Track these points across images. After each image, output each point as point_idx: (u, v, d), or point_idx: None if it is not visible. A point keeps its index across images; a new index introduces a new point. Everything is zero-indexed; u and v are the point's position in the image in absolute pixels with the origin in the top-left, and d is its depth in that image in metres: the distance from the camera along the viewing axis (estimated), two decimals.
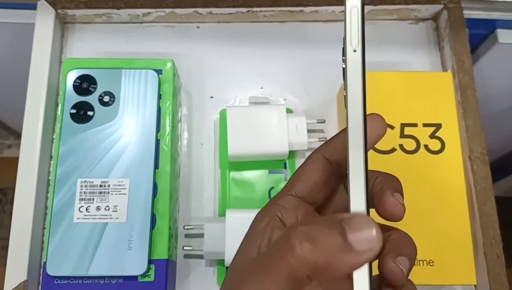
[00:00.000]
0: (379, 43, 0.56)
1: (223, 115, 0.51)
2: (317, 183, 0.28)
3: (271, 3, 0.54)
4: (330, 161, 0.28)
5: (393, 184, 0.26)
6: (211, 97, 0.54)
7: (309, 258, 0.20)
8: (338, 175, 0.29)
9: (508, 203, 1.28)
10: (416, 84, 0.48)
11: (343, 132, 0.26)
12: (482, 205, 0.47)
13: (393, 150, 0.46)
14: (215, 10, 0.54)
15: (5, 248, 0.45)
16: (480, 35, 0.65)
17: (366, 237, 0.20)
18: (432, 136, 0.46)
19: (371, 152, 0.46)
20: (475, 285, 0.46)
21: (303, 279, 0.21)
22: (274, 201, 0.28)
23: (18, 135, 0.49)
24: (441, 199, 0.44)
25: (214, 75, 0.55)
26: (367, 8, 0.55)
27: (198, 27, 0.56)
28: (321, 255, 0.20)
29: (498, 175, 1.12)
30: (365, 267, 0.21)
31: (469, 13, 0.58)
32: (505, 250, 0.47)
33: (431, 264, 0.43)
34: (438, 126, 0.46)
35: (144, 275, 0.43)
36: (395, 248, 0.24)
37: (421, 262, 0.43)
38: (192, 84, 0.54)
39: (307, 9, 0.54)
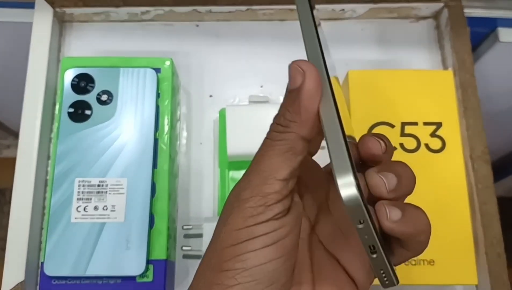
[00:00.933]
0: (380, 42, 0.56)
1: (222, 114, 0.50)
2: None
3: (271, 1, 0.53)
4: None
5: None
6: (211, 96, 0.54)
7: (288, 122, 0.23)
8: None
9: (509, 203, 1.27)
10: (417, 82, 0.47)
11: None
12: (483, 205, 0.47)
13: (393, 149, 0.45)
14: (214, 8, 0.54)
15: (3, 248, 0.45)
16: (481, 34, 0.64)
17: (294, 73, 0.23)
18: (433, 134, 0.46)
19: None
20: (476, 285, 0.46)
21: (300, 144, 0.23)
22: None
23: (16, 135, 0.48)
24: (442, 198, 0.44)
25: (214, 74, 0.54)
26: (367, 6, 0.54)
27: (197, 26, 0.56)
28: (291, 113, 0.23)
29: (500, 175, 1.11)
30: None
31: (470, 12, 0.57)
32: (507, 250, 0.47)
33: (432, 263, 0.42)
34: (438, 125, 0.46)
35: (142, 275, 0.42)
36: (384, 166, 0.25)
37: (422, 261, 0.42)
38: (191, 83, 0.54)
39: None
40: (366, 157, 0.25)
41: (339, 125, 0.22)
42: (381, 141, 0.25)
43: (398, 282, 0.23)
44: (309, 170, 0.28)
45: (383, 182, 0.23)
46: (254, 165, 0.24)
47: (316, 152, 0.29)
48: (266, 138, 0.25)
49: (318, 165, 0.30)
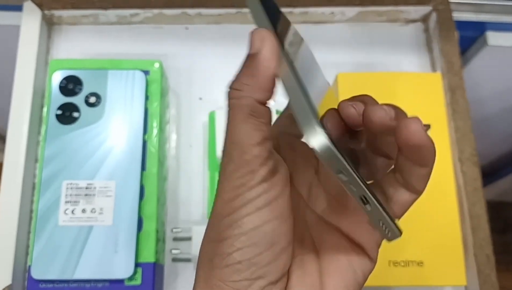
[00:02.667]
0: (369, 44, 0.56)
1: (212, 117, 0.50)
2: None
3: None
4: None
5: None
6: (200, 98, 0.53)
7: (243, 85, 0.24)
8: None
9: (501, 207, 1.28)
10: (406, 84, 0.47)
11: None
12: (472, 206, 0.47)
13: None
14: (204, 11, 0.54)
15: None
16: (470, 38, 0.65)
17: (252, 40, 0.24)
18: None
19: None
20: (465, 286, 0.46)
21: (259, 108, 0.24)
22: None
23: (3, 139, 0.48)
24: (431, 200, 0.44)
25: (203, 77, 0.54)
26: (356, 9, 0.54)
27: (187, 28, 0.56)
28: (247, 77, 0.24)
29: (490, 179, 1.12)
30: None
31: (458, 16, 0.58)
32: (499, 254, 0.47)
33: (421, 265, 0.42)
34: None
35: (130, 278, 0.42)
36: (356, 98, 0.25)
37: (411, 263, 0.42)
38: (181, 86, 0.54)
39: (297, 10, 0.54)
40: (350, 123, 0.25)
41: (298, 83, 0.22)
42: (356, 107, 0.25)
43: (401, 232, 0.23)
44: (295, 150, 0.29)
45: (384, 110, 0.23)
46: (228, 135, 0.24)
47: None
48: (228, 104, 0.25)
49: (303, 143, 0.30)
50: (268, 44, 0.23)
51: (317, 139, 0.21)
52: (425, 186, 0.25)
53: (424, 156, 0.23)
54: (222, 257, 0.23)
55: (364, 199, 0.22)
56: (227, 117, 0.25)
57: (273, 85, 0.24)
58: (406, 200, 0.25)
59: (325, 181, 0.28)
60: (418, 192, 0.25)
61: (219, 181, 0.25)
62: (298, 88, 0.22)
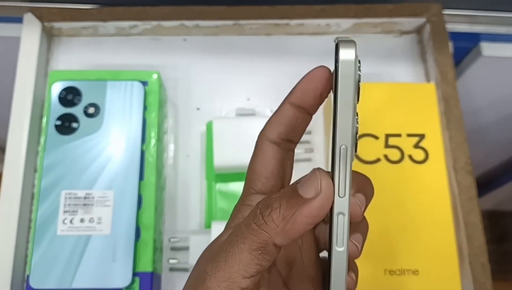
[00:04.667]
0: (364, 56, 0.56)
1: (209, 127, 0.51)
2: (273, 171, 0.27)
3: (257, 16, 0.54)
4: (278, 143, 0.27)
5: (358, 184, 0.25)
6: (198, 108, 0.54)
7: (271, 222, 0.22)
8: (289, 149, 0.27)
9: (498, 217, 1.28)
10: (400, 95, 0.48)
11: (285, 106, 0.26)
12: (467, 215, 0.47)
13: (378, 160, 0.46)
14: (201, 22, 0.55)
15: None
16: (464, 49, 0.66)
17: (312, 184, 0.22)
18: (416, 146, 0.46)
19: (355, 162, 0.46)
20: None
21: (271, 248, 0.22)
22: (241, 204, 0.28)
23: (3, 150, 0.48)
24: (425, 209, 0.44)
25: (201, 87, 0.55)
26: (351, 21, 0.55)
27: (184, 40, 0.57)
28: (280, 216, 0.22)
29: (485, 189, 1.12)
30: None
31: (452, 27, 0.59)
32: (496, 263, 0.47)
33: (416, 273, 0.43)
34: (421, 136, 0.46)
35: (128, 288, 0.42)
36: (355, 185, 0.25)
37: (406, 271, 0.43)
38: (179, 96, 0.54)
39: (293, 22, 0.55)
40: None
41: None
42: (362, 206, 0.24)
43: None
44: None
45: (359, 207, 0.24)
46: (225, 250, 0.23)
47: None
48: (242, 224, 0.23)
49: None
50: (321, 200, 0.22)
51: None
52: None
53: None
54: None
55: None
56: (239, 228, 0.23)
57: (298, 238, 0.22)
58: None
59: (308, 261, 0.28)
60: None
61: (193, 280, 0.24)
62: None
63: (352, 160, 0.22)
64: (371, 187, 0.25)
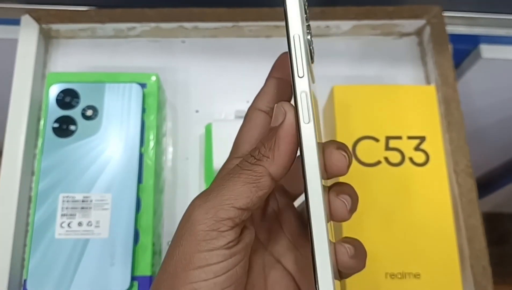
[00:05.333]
0: (364, 58, 0.56)
1: (208, 129, 0.50)
2: (259, 137, 0.28)
3: (256, 18, 0.54)
4: (266, 111, 0.28)
5: (340, 188, 0.26)
6: (197, 111, 0.54)
7: (262, 156, 0.24)
8: None
9: (497, 219, 1.28)
10: (400, 97, 0.48)
11: (270, 80, 0.29)
12: (467, 218, 0.47)
13: (378, 162, 0.46)
14: (200, 24, 0.54)
15: None
16: (464, 51, 0.66)
17: (278, 112, 0.24)
18: (417, 148, 0.46)
19: (356, 165, 0.45)
20: None
21: (266, 180, 0.24)
22: (224, 168, 0.28)
23: (0, 152, 0.48)
24: (426, 212, 0.44)
25: (200, 89, 0.55)
26: (351, 23, 0.55)
27: (183, 42, 0.56)
28: (266, 149, 0.24)
29: (485, 191, 1.12)
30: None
31: (452, 29, 0.58)
32: (496, 266, 0.47)
33: (417, 277, 0.42)
34: (422, 139, 0.46)
35: None
36: (338, 188, 0.25)
37: (407, 275, 0.42)
38: (178, 98, 0.54)
39: None
40: (330, 170, 0.25)
41: (325, 225, 0.22)
42: (346, 156, 0.24)
43: None
44: None
45: (345, 205, 0.24)
46: (217, 185, 0.24)
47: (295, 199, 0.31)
48: (236, 165, 0.25)
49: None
50: (289, 120, 0.23)
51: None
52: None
53: (360, 268, 0.25)
54: None
55: None
56: (230, 170, 0.25)
57: (288, 164, 0.24)
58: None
59: (286, 225, 0.29)
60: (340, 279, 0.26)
61: (184, 225, 0.24)
62: (325, 230, 0.22)
63: (306, 50, 0.23)
64: (352, 190, 0.26)
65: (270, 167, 0.23)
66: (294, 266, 0.28)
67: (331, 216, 0.24)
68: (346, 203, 0.24)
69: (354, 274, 0.26)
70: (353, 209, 0.24)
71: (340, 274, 0.25)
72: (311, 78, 0.24)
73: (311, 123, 0.23)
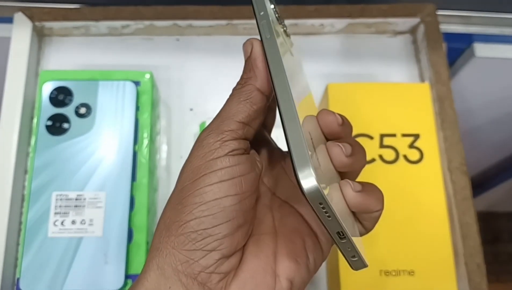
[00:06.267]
0: (359, 56, 0.57)
1: (202, 128, 0.50)
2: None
3: (251, 15, 0.54)
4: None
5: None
6: (191, 109, 0.54)
7: (246, 78, 0.26)
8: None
9: (491, 218, 1.29)
10: (395, 95, 0.48)
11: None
12: (462, 215, 0.47)
13: (373, 160, 0.46)
14: (194, 22, 0.54)
15: None
16: (458, 49, 0.66)
17: (247, 46, 0.27)
18: (411, 146, 0.46)
19: None
20: None
21: (257, 94, 0.26)
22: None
23: None
24: (421, 209, 0.44)
25: (194, 88, 0.54)
26: (345, 21, 0.55)
27: (178, 40, 0.56)
28: (248, 71, 0.26)
29: (479, 189, 1.13)
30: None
31: (446, 27, 0.59)
32: (490, 264, 0.47)
33: (412, 274, 0.42)
34: (416, 136, 0.46)
35: None
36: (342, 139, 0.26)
37: (402, 272, 0.42)
38: (172, 97, 0.54)
39: (286, 22, 0.55)
40: (326, 132, 0.26)
41: (296, 113, 0.23)
42: (336, 114, 0.26)
43: (367, 265, 0.24)
44: (265, 145, 0.31)
45: (341, 149, 0.24)
46: (218, 113, 0.26)
47: (271, 127, 0.32)
48: (230, 95, 0.27)
49: (269, 138, 0.32)
50: (256, 46, 0.26)
51: (308, 182, 0.21)
52: (374, 226, 0.26)
53: (374, 206, 0.25)
54: (179, 224, 0.24)
55: (341, 234, 0.23)
56: (227, 101, 0.26)
57: (267, 77, 0.26)
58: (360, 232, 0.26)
59: (292, 174, 0.29)
60: (367, 230, 0.27)
61: (192, 149, 0.26)
62: (296, 119, 0.23)
63: None
64: (355, 143, 0.26)
65: (256, 83, 0.26)
66: (300, 204, 0.29)
67: (331, 160, 0.24)
68: (342, 147, 0.24)
69: (376, 223, 0.26)
70: (353, 154, 0.24)
71: (362, 224, 0.26)
72: (281, 34, 0.27)
73: (272, 36, 0.25)
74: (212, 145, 0.25)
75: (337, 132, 0.26)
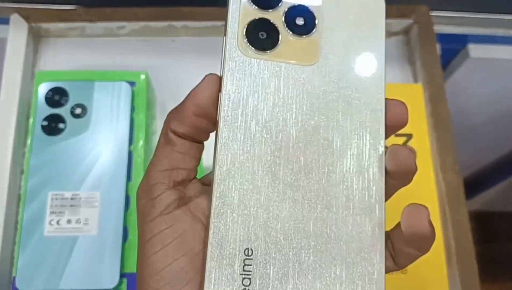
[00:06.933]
0: None
1: None
2: None
3: None
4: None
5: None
6: None
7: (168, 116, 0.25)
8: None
9: (486, 218, 1.29)
10: (388, 95, 0.48)
11: None
12: (454, 214, 0.48)
13: None
14: (190, 23, 0.55)
15: None
16: (452, 50, 0.66)
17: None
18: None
19: None
20: None
21: (171, 136, 0.24)
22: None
23: None
24: None
25: (189, 88, 0.54)
26: None
27: (173, 41, 0.57)
28: (175, 109, 0.25)
29: (474, 190, 1.13)
30: None
31: (440, 28, 0.59)
32: (485, 264, 0.47)
33: (404, 272, 0.43)
34: (409, 136, 0.47)
35: (116, 289, 0.42)
36: None
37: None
38: (167, 97, 0.54)
39: None
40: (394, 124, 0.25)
41: None
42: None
43: None
44: None
45: (413, 155, 0.23)
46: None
47: None
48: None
49: None
50: (205, 85, 0.24)
51: None
52: (408, 265, 0.25)
53: (423, 246, 0.23)
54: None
55: None
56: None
57: (192, 120, 0.24)
58: (386, 268, 0.24)
59: None
60: (400, 267, 0.25)
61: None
62: None
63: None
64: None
65: (171, 123, 0.24)
66: None
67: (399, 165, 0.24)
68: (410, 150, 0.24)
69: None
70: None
71: (395, 260, 0.24)
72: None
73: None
74: (145, 206, 0.23)
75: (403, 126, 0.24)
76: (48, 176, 0.44)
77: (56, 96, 0.46)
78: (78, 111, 0.46)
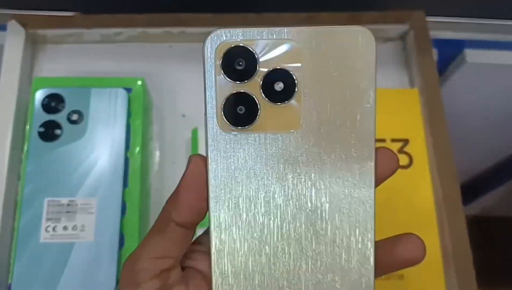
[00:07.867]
0: None
1: (195, 134, 0.51)
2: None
3: (244, 23, 0.54)
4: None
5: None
6: (183, 115, 0.54)
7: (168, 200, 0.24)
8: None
9: (484, 223, 1.29)
10: (384, 100, 0.48)
11: None
12: (451, 219, 0.48)
13: None
14: (187, 29, 0.55)
15: None
16: (449, 55, 0.66)
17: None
18: (400, 151, 0.47)
19: None
20: None
21: (170, 226, 0.23)
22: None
23: None
24: (410, 214, 0.45)
25: (186, 94, 0.55)
26: None
27: (170, 47, 0.57)
28: (174, 195, 0.24)
29: (471, 195, 1.13)
30: None
31: (437, 34, 0.59)
32: (483, 270, 0.47)
33: (401, 278, 0.43)
34: (405, 142, 0.47)
35: None
36: None
37: (391, 276, 0.43)
38: (164, 103, 0.54)
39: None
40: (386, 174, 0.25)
41: None
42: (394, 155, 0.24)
43: None
44: None
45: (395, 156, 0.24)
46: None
47: None
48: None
49: None
50: (194, 164, 0.23)
51: None
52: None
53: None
54: None
55: None
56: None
57: (192, 213, 0.23)
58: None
59: None
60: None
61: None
62: None
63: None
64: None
65: (172, 212, 0.23)
66: None
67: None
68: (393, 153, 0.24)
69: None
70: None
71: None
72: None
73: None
74: (127, 285, 0.22)
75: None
76: (45, 182, 0.44)
77: (53, 103, 0.46)
78: (74, 117, 0.46)
